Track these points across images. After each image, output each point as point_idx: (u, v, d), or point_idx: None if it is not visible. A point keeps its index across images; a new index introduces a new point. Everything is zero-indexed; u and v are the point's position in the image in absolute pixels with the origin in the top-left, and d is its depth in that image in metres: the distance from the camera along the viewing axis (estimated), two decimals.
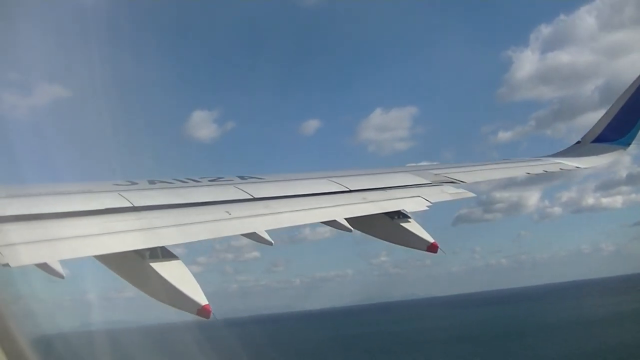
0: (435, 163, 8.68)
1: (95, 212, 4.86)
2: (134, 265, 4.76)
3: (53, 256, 4.13)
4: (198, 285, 4.75)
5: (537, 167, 9.24)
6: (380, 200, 6.74)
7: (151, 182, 5.98)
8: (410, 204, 6.84)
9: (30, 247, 4.20)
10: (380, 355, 77.04)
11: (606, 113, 10.73)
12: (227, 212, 5.57)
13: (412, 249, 6.58)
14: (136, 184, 5.79)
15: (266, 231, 5.39)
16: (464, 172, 8.22)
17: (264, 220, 5.62)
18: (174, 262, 4.81)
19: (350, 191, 6.77)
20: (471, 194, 7.53)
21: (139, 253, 4.73)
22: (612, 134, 10.53)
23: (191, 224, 5.29)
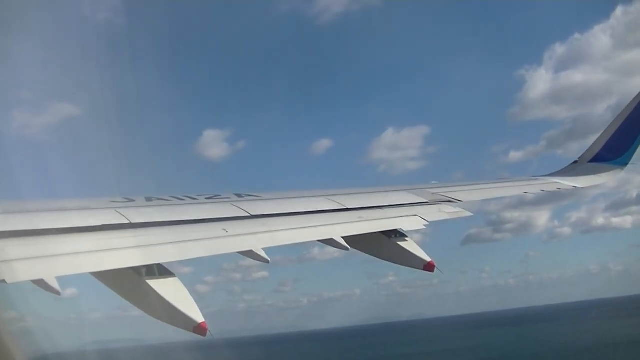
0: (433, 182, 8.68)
1: (92, 229, 4.89)
2: (131, 282, 4.79)
3: (49, 273, 4.15)
4: (194, 303, 4.76)
5: (534, 187, 9.25)
6: (377, 219, 6.77)
7: (148, 199, 6.02)
8: (407, 222, 6.87)
9: (27, 264, 4.23)
10: None
11: (603, 133, 10.76)
12: (224, 229, 5.60)
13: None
14: (133, 200, 5.82)
15: (263, 249, 5.42)
16: (461, 190, 8.25)
17: (261, 238, 5.65)
18: (170, 280, 4.83)
19: (348, 209, 6.80)
20: (468, 213, 7.55)
21: (135, 270, 4.76)
22: (609, 154, 10.55)
23: (188, 241, 5.33)
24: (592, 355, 74.01)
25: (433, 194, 7.89)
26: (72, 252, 4.58)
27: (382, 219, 6.82)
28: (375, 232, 6.57)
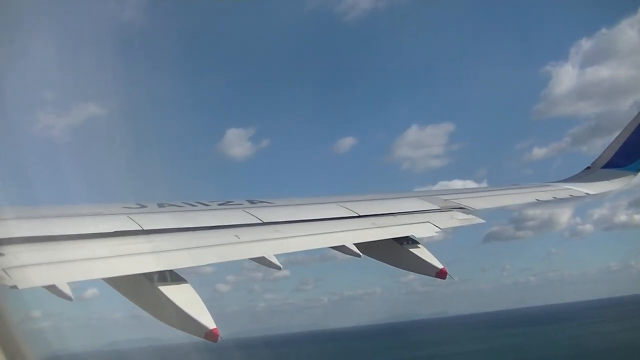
0: (442, 185, 8.65)
1: (104, 235, 4.93)
2: (142, 288, 4.80)
3: (61, 278, 4.17)
4: (206, 309, 4.76)
5: (547, 194, 9.17)
6: (389, 226, 6.75)
7: (160, 205, 6.05)
8: (420, 229, 6.85)
9: (39, 269, 4.25)
10: None
11: (616, 139, 10.66)
12: (236, 235, 5.62)
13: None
14: (145, 207, 5.85)
15: (275, 255, 5.44)
16: (473, 197, 8.21)
17: (273, 245, 5.66)
18: (182, 286, 4.84)
19: (360, 216, 6.79)
20: (480, 220, 7.52)
21: (147, 276, 4.77)
22: (622, 160, 10.44)
23: (200, 247, 5.34)
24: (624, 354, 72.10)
25: (445, 200, 7.86)
26: (84, 257, 4.62)
27: (394, 225, 6.80)
28: (387, 239, 6.55)
